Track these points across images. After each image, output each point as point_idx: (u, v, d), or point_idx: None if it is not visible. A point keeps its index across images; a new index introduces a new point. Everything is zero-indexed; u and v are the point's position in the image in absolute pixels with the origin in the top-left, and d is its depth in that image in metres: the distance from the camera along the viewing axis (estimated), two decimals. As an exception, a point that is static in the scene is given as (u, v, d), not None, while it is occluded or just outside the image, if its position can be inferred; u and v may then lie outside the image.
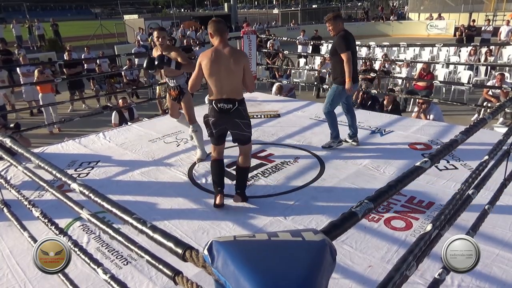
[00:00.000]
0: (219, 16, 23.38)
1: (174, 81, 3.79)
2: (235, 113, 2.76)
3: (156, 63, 3.48)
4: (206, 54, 2.76)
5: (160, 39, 3.61)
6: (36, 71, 8.09)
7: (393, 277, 1.23)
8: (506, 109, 4.81)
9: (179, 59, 3.56)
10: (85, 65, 10.87)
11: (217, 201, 2.89)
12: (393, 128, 4.50)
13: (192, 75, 2.89)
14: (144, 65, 3.58)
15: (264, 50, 10.66)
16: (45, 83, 7.86)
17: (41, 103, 7.89)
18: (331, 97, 3.87)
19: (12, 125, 4.59)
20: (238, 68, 2.73)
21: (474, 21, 15.79)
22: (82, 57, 10.71)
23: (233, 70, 2.71)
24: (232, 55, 2.73)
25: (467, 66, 9.30)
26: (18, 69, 9.30)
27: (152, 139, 4.50)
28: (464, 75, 9.00)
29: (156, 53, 3.67)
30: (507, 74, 7.95)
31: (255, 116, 5.20)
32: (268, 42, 12.26)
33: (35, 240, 2.03)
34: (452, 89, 8.74)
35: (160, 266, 1.21)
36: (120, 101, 6.39)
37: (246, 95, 6.49)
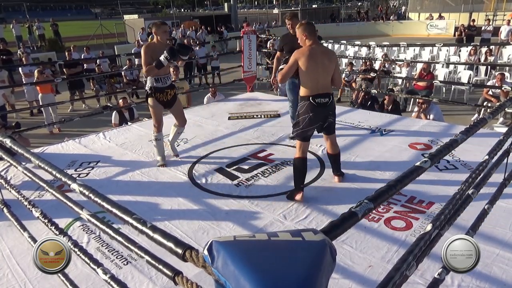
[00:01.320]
0: (219, 16, 23.47)
1: (168, 79, 3.64)
2: (331, 105, 3.02)
3: (178, 49, 3.41)
4: (302, 52, 2.94)
5: (164, 33, 3.52)
6: (36, 71, 8.10)
7: (393, 277, 1.23)
8: (506, 109, 4.80)
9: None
10: (85, 65, 10.86)
11: (299, 198, 2.96)
12: (393, 128, 4.50)
13: (285, 69, 3.04)
14: (167, 54, 3.37)
15: (264, 50, 10.66)
16: (45, 83, 7.87)
17: (40, 103, 7.90)
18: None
19: (12, 124, 4.59)
20: (332, 65, 2.99)
21: (474, 21, 15.79)
22: (82, 57, 10.71)
23: (328, 67, 2.96)
24: (326, 53, 3.02)
25: (467, 66, 9.30)
26: (20, 69, 9.31)
27: (152, 139, 4.49)
28: (464, 75, 9.00)
29: (148, 49, 3.52)
30: (507, 74, 7.95)
31: (255, 116, 5.20)
32: (268, 42, 12.26)
33: (35, 240, 2.03)
34: (452, 89, 8.74)
35: (160, 266, 1.21)
36: (120, 101, 6.39)
37: (247, 95, 6.53)
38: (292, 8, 31.52)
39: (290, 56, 3.43)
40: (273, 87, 7.10)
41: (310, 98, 2.93)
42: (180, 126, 3.94)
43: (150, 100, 3.65)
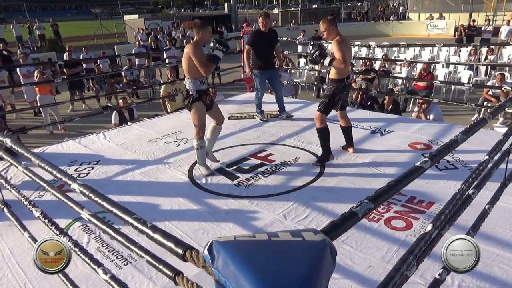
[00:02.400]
0: (219, 16, 23.46)
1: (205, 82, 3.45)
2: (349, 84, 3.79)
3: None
4: (344, 42, 3.54)
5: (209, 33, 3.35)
6: (36, 72, 8.09)
7: (393, 277, 1.23)
8: (506, 109, 4.81)
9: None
10: (84, 65, 10.87)
11: (332, 157, 3.71)
12: (393, 128, 4.50)
13: (340, 60, 3.43)
14: (221, 47, 3.27)
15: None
16: (45, 83, 7.86)
17: (39, 104, 7.90)
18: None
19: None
20: None
21: (474, 21, 15.78)
22: (81, 57, 10.71)
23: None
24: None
25: (467, 66, 9.30)
26: (18, 70, 9.30)
27: (152, 139, 4.50)
28: (464, 75, 9.00)
29: (199, 48, 3.28)
30: (507, 74, 7.95)
31: (255, 116, 5.20)
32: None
33: (35, 240, 2.03)
34: (452, 89, 8.74)
35: (160, 266, 1.21)
36: (120, 101, 6.39)
37: (247, 95, 6.52)
38: (292, 8, 31.49)
39: (258, 50, 4.69)
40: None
41: (345, 80, 3.61)
42: (220, 124, 3.71)
43: (197, 105, 3.38)
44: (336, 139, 4.25)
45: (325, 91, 3.81)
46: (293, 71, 10.21)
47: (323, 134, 3.67)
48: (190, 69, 3.29)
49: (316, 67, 8.45)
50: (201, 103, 3.40)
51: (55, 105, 7.76)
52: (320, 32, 4.10)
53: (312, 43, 4.26)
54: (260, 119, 5.08)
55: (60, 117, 7.83)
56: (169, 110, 6.51)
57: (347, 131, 3.85)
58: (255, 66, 4.90)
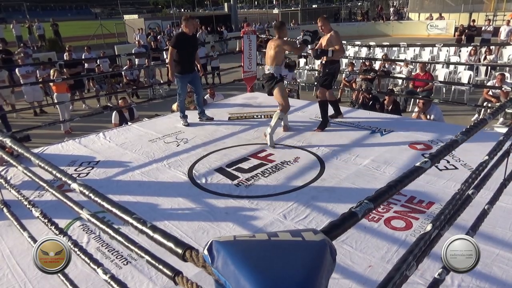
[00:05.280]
0: (219, 16, 23.46)
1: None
2: None
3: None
4: (338, 35, 4.45)
5: None
6: (52, 71, 8.16)
7: (393, 277, 1.23)
8: (506, 110, 4.80)
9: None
10: (85, 65, 10.87)
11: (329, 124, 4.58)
12: (393, 128, 4.49)
13: (342, 48, 4.47)
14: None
15: (264, 50, 10.63)
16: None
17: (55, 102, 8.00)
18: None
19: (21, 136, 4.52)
20: None
21: (474, 21, 15.79)
22: (82, 57, 10.71)
23: None
24: None
25: (467, 66, 9.30)
26: (17, 70, 9.30)
27: (152, 139, 4.50)
28: (464, 75, 9.00)
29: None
30: (507, 74, 7.95)
31: (255, 116, 5.20)
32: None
33: (35, 240, 2.03)
34: (453, 89, 8.74)
35: (160, 266, 1.21)
36: (120, 101, 6.40)
37: (247, 95, 6.52)
38: (292, 8, 31.49)
39: (181, 53, 4.71)
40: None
41: (339, 61, 4.54)
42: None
43: (281, 84, 4.27)
44: (338, 137, 4.25)
45: (327, 70, 4.50)
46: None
47: (325, 106, 4.48)
48: (278, 57, 4.20)
49: (316, 66, 8.47)
50: (283, 83, 4.36)
51: (69, 103, 7.82)
52: (320, 31, 4.45)
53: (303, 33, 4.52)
54: (183, 124, 4.95)
55: (70, 116, 7.90)
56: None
57: (335, 104, 4.76)
58: (177, 70, 4.81)
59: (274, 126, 4.13)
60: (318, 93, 4.52)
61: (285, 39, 4.40)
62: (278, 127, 4.29)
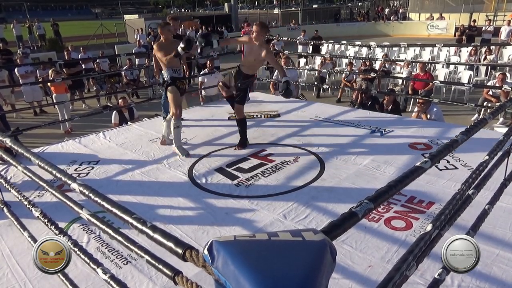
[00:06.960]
0: (219, 16, 23.44)
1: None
2: None
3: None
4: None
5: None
6: (50, 71, 8.17)
7: (393, 277, 1.23)
8: (506, 109, 4.80)
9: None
10: (83, 65, 10.87)
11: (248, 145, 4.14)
12: (393, 128, 4.49)
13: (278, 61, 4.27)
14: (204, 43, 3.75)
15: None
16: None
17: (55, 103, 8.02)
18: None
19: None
20: None
21: (474, 21, 15.78)
22: (79, 57, 10.71)
23: None
24: None
25: (467, 66, 9.30)
26: (16, 70, 9.31)
27: (152, 139, 4.50)
28: (465, 75, 9.00)
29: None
30: (507, 75, 7.95)
31: (255, 116, 5.20)
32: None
33: (35, 240, 2.03)
34: (453, 89, 8.74)
35: (160, 266, 1.21)
36: (120, 101, 6.40)
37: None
38: (293, 8, 31.49)
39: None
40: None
41: (254, 75, 4.26)
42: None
43: (171, 88, 4.03)
44: (338, 137, 4.25)
45: (241, 86, 4.08)
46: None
47: (244, 124, 4.12)
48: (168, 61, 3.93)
49: (316, 66, 8.44)
50: (174, 87, 4.03)
51: (69, 103, 7.83)
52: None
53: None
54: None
55: (70, 116, 7.91)
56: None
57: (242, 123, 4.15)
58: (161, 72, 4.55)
59: (175, 137, 3.96)
60: (235, 111, 4.12)
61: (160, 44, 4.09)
62: (179, 134, 4.01)
